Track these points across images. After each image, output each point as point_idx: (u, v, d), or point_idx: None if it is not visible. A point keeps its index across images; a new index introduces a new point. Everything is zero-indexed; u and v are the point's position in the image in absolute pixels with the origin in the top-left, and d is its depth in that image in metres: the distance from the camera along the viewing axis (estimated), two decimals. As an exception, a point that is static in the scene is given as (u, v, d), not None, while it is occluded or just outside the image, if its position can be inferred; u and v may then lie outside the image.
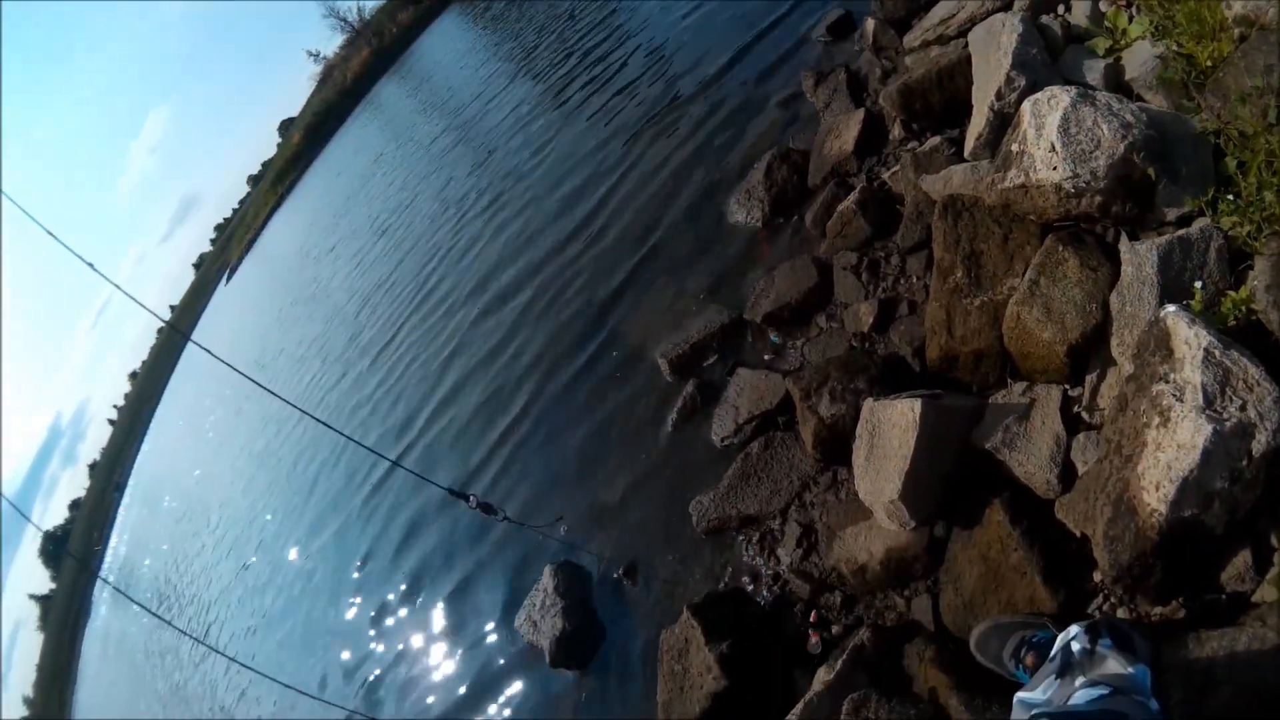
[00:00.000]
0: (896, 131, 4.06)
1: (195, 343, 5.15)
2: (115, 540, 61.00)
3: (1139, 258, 2.24)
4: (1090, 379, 2.39)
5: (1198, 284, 2.09)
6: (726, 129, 6.11)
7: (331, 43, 71.06)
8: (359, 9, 69.06)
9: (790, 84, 5.73)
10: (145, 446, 71.97)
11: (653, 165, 6.75)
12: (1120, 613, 2.06)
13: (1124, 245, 2.36)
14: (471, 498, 4.33)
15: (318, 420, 4.82)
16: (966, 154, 3.20)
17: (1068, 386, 2.46)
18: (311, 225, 29.93)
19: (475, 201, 10.91)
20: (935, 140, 3.55)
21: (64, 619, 76.76)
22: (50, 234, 4.79)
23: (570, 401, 5.47)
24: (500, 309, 7.59)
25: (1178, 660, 1.78)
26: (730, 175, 5.52)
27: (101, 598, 53.49)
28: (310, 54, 71.84)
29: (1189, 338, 1.87)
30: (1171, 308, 1.97)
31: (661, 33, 9.43)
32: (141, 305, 5.21)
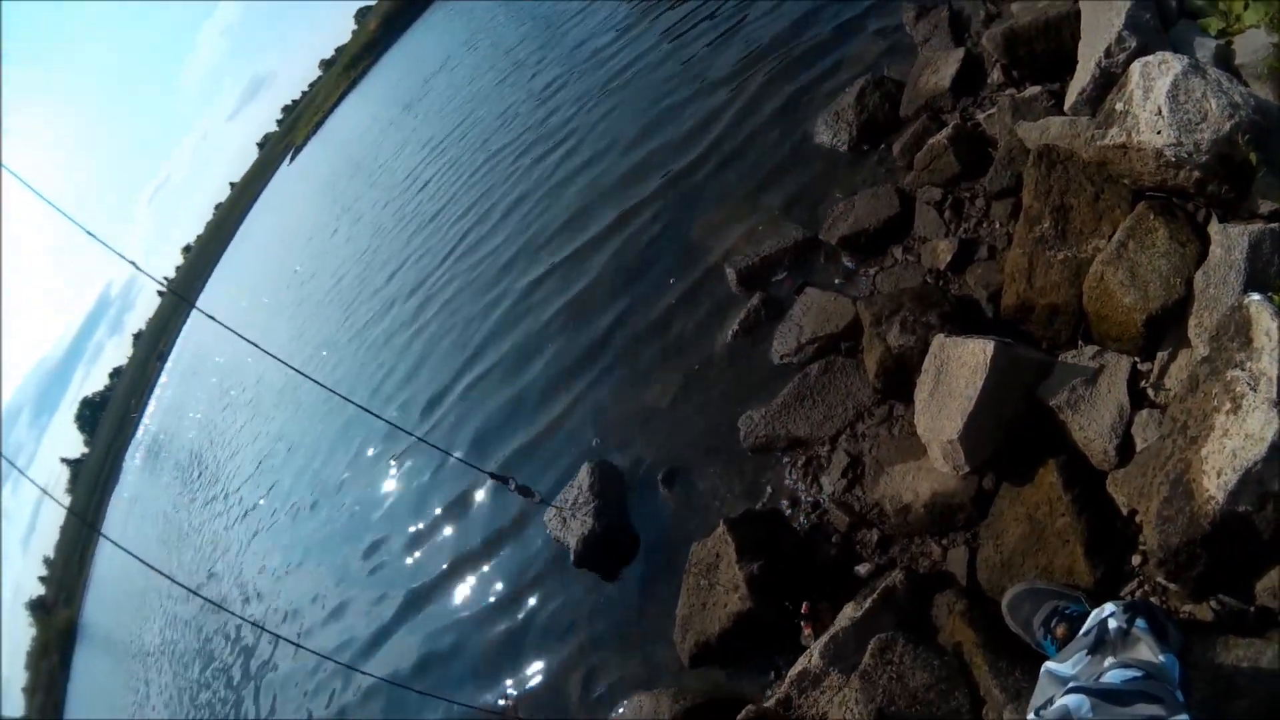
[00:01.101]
0: (996, 75, 3.97)
1: (201, 310, 4.90)
2: (152, 407, 63.73)
3: (1230, 240, 2.20)
4: (1162, 356, 2.38)
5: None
6: (820, 52, 5.90)
7: None
8: None
9: (889, 14, 5.52)
10: (189, 323, 74.18)
11: (742, 79, 6.57)
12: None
13: (1215, 226, 2.32)
14: (511, 480, 4.27)
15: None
16: (1066, 107, 3.12)
17: (1138, 359, 2.45)
18: (378, 116, 29.99)
19: (558, 100, 10.53)
20: (1035, 89, 3.48)
21: (94, 482, 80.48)
22: (49, 203, 4.39)
23: (633, 298, 5.52)
24: (577, 195, 7.66)
25: (1203, 660, 1.82)
26: (820, 97, 5.37)
27: (131, 464, 55.88)
28: None
29: (1270, 329, 1.85)
30: (1256, 296, 1.95)
31: None
32: (140, 270, 4.91)
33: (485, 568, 4.83)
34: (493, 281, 7.83)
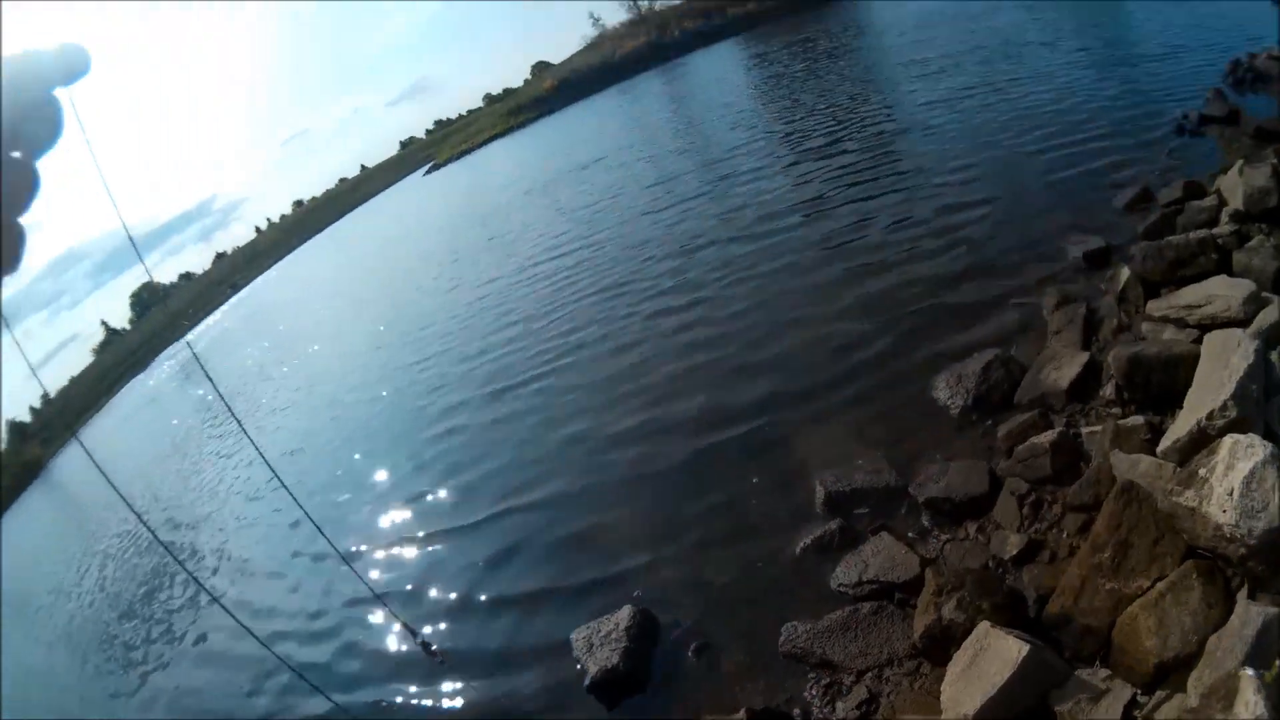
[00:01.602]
0: (1109, 391, 4.30)
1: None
2: (203, 327, 65.75)
3: (1247, 616, 2.50)
4: (1160, 694, 2.63)
5: (1278, 662, 2.32)
6: (963, 310, 6.31)
7: (615, 15, 73.27)
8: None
9: (1033, 291, 5.94)
10: (273, 271, 77.50)
11: (887, 310, 6.90)
12: None
13: (1241, 599, 2.62)
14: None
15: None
16: (1159, 450, 3.43)
17: (1139, 691, 2.71)
18: (526, 166, 30.61)
19: (702, 257, 10.17)
20: (1138, 419, 3.79)
21: (124, 359, 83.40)
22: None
23: (722, 476, 5.77)
24: (691, 367, 7.71)
25: None
26: (948, 352, 5.73)
27: (163, 365, 57.64)
28: (592, 17, 74.38)
29: (1252, 701, 2.15)
30: (1250, 672, 2.24)
31: (937, 169, 9.51)
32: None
33: (494, 660, 5.17)
34: (576, 414, 7.91)
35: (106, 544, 16.17)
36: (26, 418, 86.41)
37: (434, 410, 9.78)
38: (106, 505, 20.73)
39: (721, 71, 29.97)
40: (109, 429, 44.29)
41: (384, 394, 11.54)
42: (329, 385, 14.17)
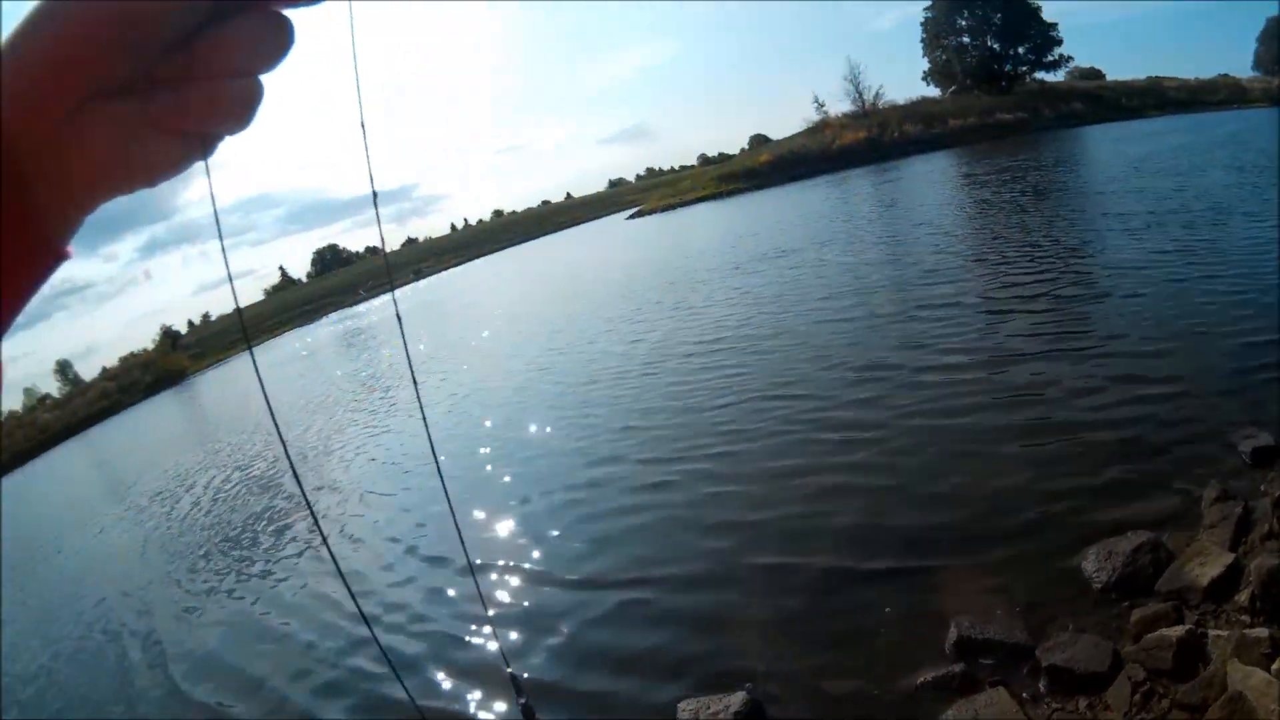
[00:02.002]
0: (1244, 598, 4.43)
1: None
2: (378, 302, 69.92)
3: None
4: None
5: None
6: (1124, 485, 6.34)
7: (839, 104, 73.74)
8: (875, 94, 71.74)
9: (1196, 480, 5.99)
10: (458, 269, 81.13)
11: (1046, 479, 6.84)
12: None
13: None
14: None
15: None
16: (1273, 668, 3.61)
17: None
18: (726, 238, 31.13)
19: (878, 389, 9.79)
20: (1263, 632, 3.94)
21: (291, 308, 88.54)
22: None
23: (864, 592, 5.94)
24: (849, 503, 7.52)
25: None
26: (1103, 525, 5.79)
27: (327, 327, 60.33)
28: (816, 100, 74.99)
29: None
30: None
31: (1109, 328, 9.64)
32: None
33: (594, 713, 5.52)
34: (723, 503, 7.95)
35: (221, 465, 17.92)
36: (183, 329, 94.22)
37: (586, 457, 10.12)
38: (232, 430, 22.52)
39: (932, 185, 30.14)
40: (260, 365, 46.95)
41: (543, 425, 12.00)
42: (484, 395, 14.97)
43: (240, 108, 0.61)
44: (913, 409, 8.75)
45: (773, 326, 13.37)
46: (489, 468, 10.68)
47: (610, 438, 10.50)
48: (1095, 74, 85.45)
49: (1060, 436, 7.39)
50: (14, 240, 0.56)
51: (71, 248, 0.65)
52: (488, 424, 12.86)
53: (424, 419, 1.45)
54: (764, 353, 12.09)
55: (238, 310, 1.03)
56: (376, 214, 1.13)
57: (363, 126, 1.01)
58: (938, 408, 8.64)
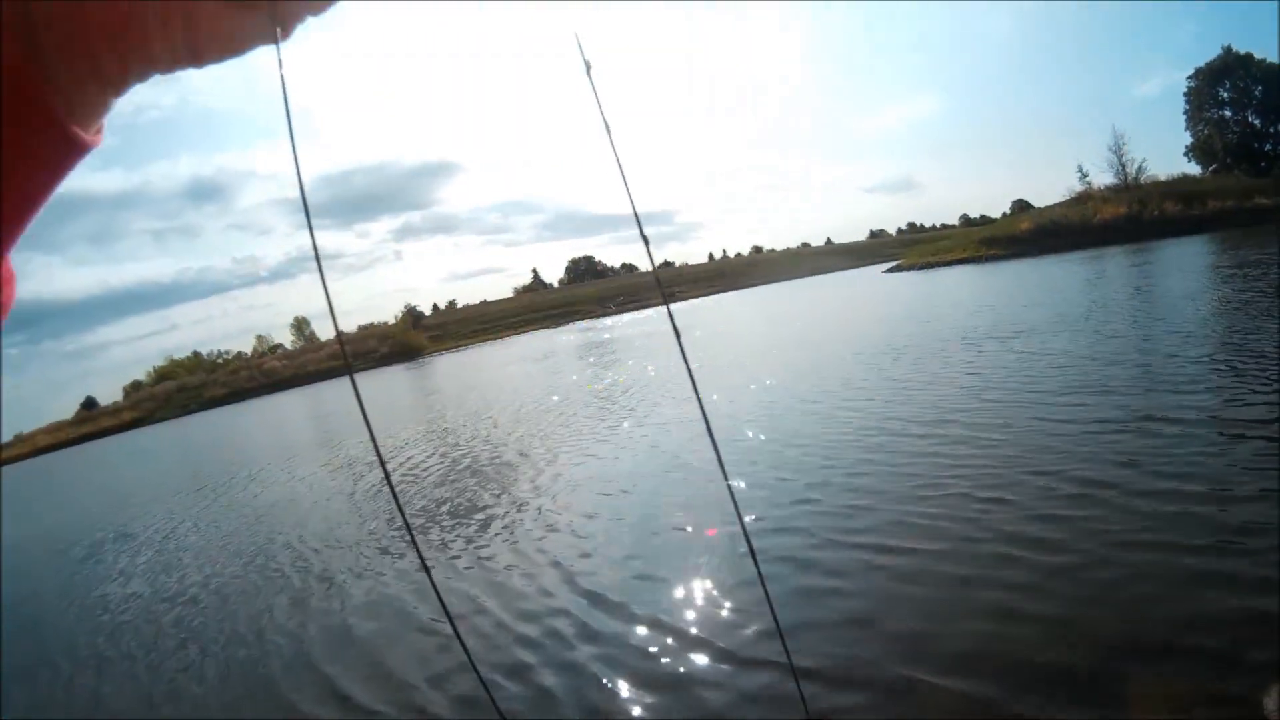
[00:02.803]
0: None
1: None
2: (626, 319, 71.63)
3: None
4: None
5: None
6: None
7: (1102, 175, 70.69)
8: (1139, 168, 69.14)
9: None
10: (710, 299, 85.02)
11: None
12: None
13: None
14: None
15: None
16: None
17: None
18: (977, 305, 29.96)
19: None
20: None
21: (540, 307, 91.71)
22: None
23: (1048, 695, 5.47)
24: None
25: None
26: None
27: (571, 333, 63.10)
28: (1080, 170, 72.09)
29: None
30: None
31: None
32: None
33: None
34: (911, 598, 6.98)
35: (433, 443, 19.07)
36: (428, 310, 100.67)
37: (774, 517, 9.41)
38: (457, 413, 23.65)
39: (1191, 273, 27.77)
40: (494, 357, 49.33)
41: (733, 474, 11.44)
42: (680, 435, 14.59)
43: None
44: (1117, 540, 7.56)
45: (987, 413, 12.26)
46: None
47: (788, 509, 9.71)
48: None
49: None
50: (21, 111, 0.44)
51: (102, 134, 0.52)
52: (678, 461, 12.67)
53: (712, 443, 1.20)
54: (975, 447, 10.73)
55: (338, 335, 0.92)
56: (641, 233, 1.05)
57: (617, 159, 0.93)
58: (1138, 540, 7.51)
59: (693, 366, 1.09)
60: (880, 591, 7.31)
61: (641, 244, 1.02)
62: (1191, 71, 74.06)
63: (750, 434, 13.34)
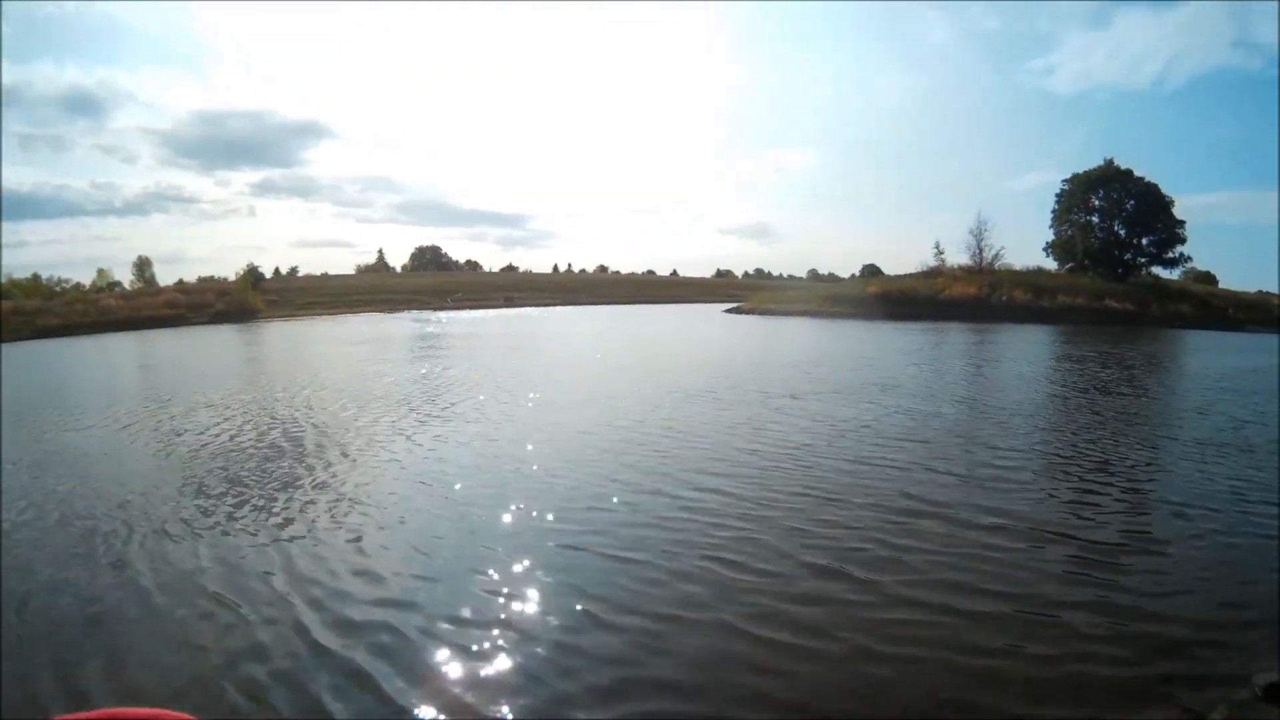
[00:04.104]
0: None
1: None
2: (464, 315, 71.83)
3: None
4: None
5: None
6: (1122, 684, 5.57)
7: (958, 254, 75.06)
8: (995, 254, 72.86)
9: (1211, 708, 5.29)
10: (550, 309, 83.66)
11: None
12: None
13: None
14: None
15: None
16: None
17: None
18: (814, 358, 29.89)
19: None
20: None
21: (379, 290, 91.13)
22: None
23: None
24: None
25: None
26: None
27: (404, 321, 62.81)
28: (937, 247, 76.24)
29: None
30: None
31: None
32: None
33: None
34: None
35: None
36: (270, 274, 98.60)
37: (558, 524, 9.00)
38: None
39: (1030, 359, 29.38)
40: (328, 333, 48.31)
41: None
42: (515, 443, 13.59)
43: None
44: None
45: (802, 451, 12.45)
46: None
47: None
48: (1209, 278, 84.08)
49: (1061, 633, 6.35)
50: None
51: None
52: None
53: None
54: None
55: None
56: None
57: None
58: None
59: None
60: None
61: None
62: (1069, 175, 77.64)
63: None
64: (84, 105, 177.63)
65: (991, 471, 11.31)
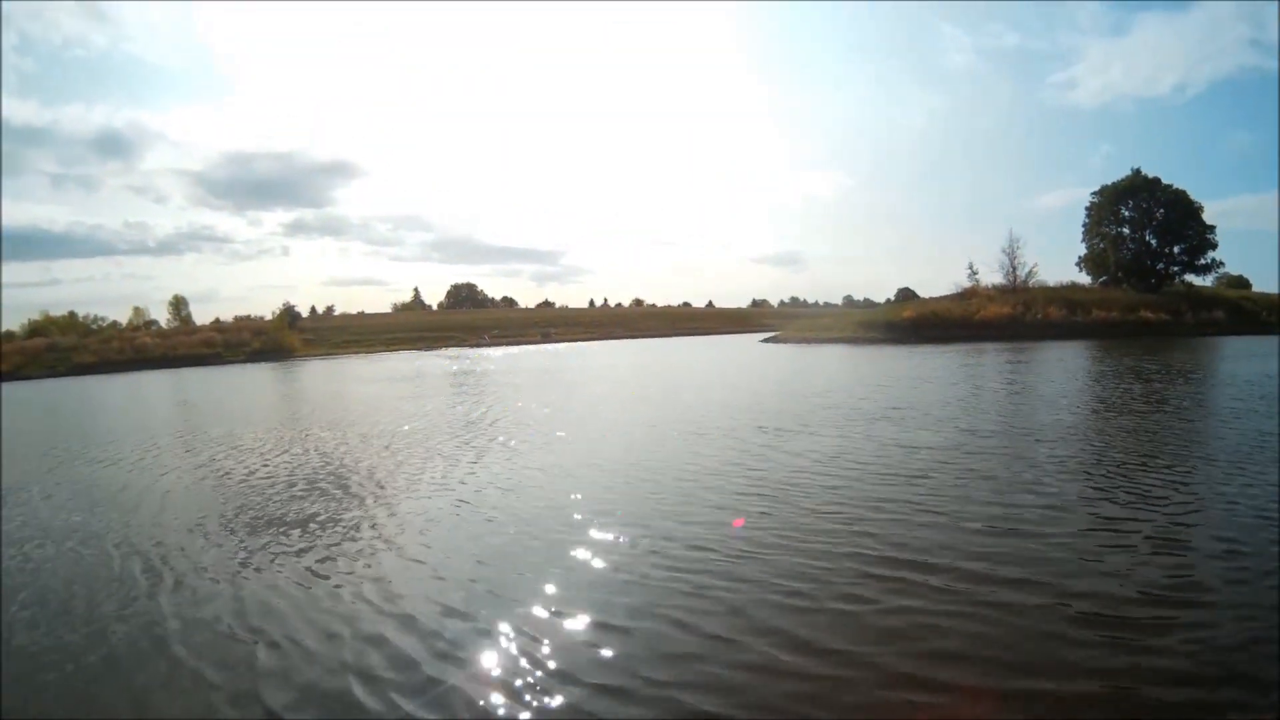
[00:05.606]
0: None
1: None
2: (499, 352, 72.84)
3: None
4: None
5: None
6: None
7: (991, 274, 75.67)
8: (1029, 272, 73.24)
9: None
10: (585, 344, 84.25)
11: None
12: None
13: None
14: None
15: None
16: None
17: None
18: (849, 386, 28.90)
19: None
20: None
21: (415, 328, 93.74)
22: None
23: None
24: None
25: None
26: None
27: (442, 359, 63.09)
28: (971, 269, 76.76)
29: None
30: None
31: None
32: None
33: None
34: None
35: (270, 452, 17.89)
36: (305, 313, 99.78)
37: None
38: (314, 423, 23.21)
39: (1065, 376, 28.75)
40: (364, 371, 48.11)
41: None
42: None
43: None
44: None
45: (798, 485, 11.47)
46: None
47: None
48: (1242, 282, 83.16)
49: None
50: None
51: None
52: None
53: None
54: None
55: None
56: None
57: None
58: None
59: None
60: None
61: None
62: (1097, 188, 77.38)
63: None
64: (114, 146, 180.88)
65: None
